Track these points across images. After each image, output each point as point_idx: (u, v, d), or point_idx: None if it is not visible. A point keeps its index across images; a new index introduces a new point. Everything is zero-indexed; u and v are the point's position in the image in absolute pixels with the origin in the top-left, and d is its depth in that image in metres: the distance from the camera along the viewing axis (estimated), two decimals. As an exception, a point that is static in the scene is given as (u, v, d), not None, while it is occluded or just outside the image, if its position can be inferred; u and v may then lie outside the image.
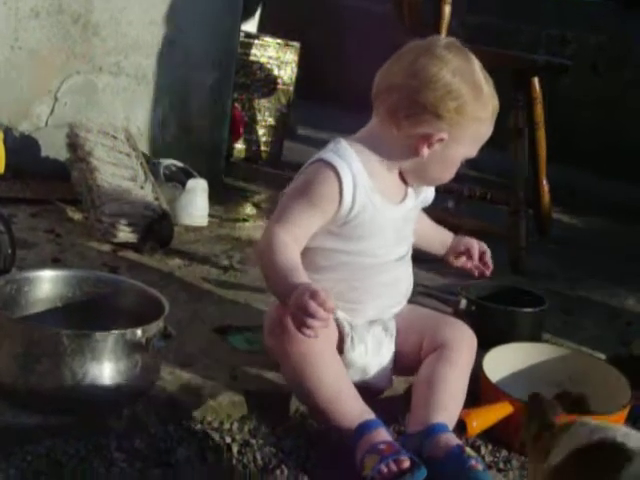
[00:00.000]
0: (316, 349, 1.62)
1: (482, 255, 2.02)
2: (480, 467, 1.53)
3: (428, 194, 1.89)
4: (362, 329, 1.76)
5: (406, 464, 1.50)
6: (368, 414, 1.61)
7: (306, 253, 1.73)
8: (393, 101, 1.71)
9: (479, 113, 1.70)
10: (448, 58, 1.69)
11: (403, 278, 1.84)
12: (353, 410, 1.61)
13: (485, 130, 1.75)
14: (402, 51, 1.75)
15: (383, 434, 1.58)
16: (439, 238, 2.05)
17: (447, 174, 1.79)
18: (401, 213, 1.78)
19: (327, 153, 1.71)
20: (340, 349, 1.73)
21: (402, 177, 1.80)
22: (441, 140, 1.70)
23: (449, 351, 1.74)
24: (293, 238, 1.68)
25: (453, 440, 1.59)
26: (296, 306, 1.52)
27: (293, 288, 1.55)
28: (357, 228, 1.72)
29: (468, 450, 1.57)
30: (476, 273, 2.03)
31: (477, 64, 1.74)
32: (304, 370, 1.62)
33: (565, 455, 1.16)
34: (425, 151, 1.71)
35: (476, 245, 2.02)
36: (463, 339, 1.79)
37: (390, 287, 1.81)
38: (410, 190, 1.81)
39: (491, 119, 1.74)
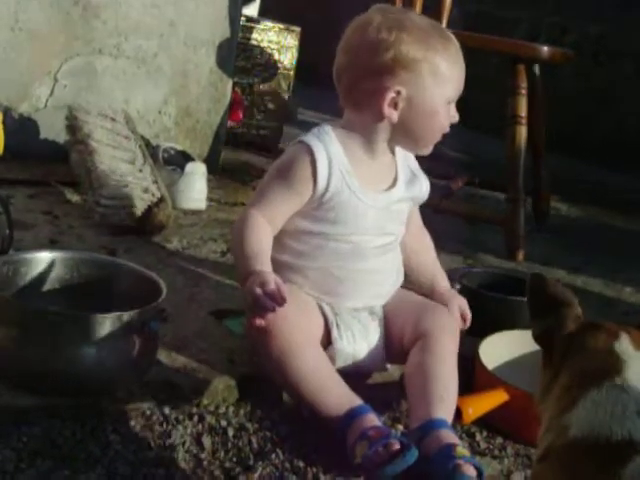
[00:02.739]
0: (295, 341, 1.62)
1: (463, 315, 1.89)
2: (467, 468, 1.48)
3: (423, 188, 1.87)
4: (347, 315, 1.76)
5: (396, 447, 1.49)
6: (355, 401, 1.60)
7: (283, 238, 1.75)
8: (344, 82, 1.74)
9: (421, 54, 1.67)
10: (372, 18, 1.71)
11: (387, 268, 1.83)
12: (339, 399, 1.60)
13: (444, 68, 1.69)
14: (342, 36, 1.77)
15: (371, 419, 1.57)
16: (429, 279, 1.93)
17: (434, 126, 1.75)
18: (384, 202, 1.77)
19: (307, 136, 1.73)
20: (327, 339, 1.73)
21: (392, 168, 1.80)
22: (399, 94, 1.68)
23: (430, 341, 1.71)
24: (268, 219, 1.70)
25: (447, 438, 1.55)
26: (247, 292, 1.57)
27: (250, 274, 1.59)
28: (331, 211, 1.73)
29: (460, 449, 1.53)
30: None
31: (412, 13, 1.75)
32: (285, 364, 1.62)
33: (582, 434, 1.12)
34: (391, 112, 1.70)
35: (458, 314, 1.86)
36: (443, 326, 1.75)
37: (373, 276, 1.79)
38: (400, 183, 1.81)
39: (444, 55, 1.70)
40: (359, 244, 1.76)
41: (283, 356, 1.62)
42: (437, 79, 1.70)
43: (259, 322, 1.58)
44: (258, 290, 1.55)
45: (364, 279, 1.78)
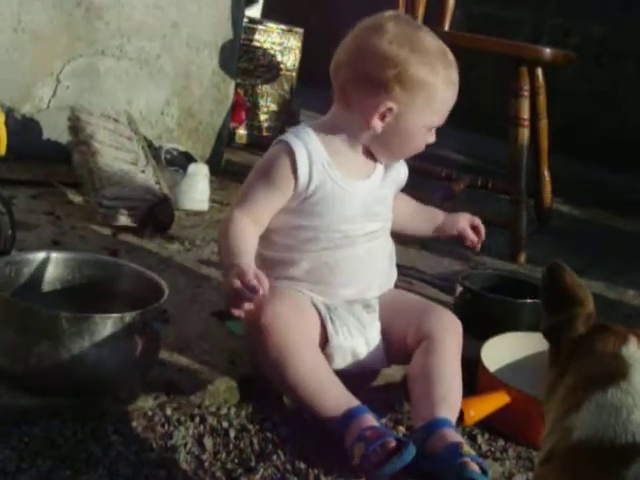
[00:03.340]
0: (292, 342, 1.63)
1: (476, 230, 2.04)
2: (474, 466, 1.49)
3: (400, 172, 1.89)
4: (341, 310, 1.76)
5: (392, 445, 1.49)
6: (352, 402, 1.60)
7: (272, 236, 1.77)
8: (341, 78, 1.75)
9: (426, 78, 1.69)
10: (387, 28, 1.71)
11: (378, 255, 1.84)
12: (337, 400, 1.61)
13: (441, 95, 1.73)
14: (351, 31, 1.78)
15: (368, 420, 1.57)
16: (426, 218, 2.05)
17: (411, 146, 1.79)
18: (367, 189, 1.79)
19: (285, 135, 1.77)
20: (324, 338, 1.73)
21: (369, 156, 1.82)
22: (390, 110, 1.71)
23: (434, 342, 1.72)
24: (252, 219, 1.72)
25: (452, 437, 1.56)
26: (226, 284, 1.58)
27: (231, 267, 1.60)
28: (318, 204, 1.75)
29: (466, 448, 1.54)
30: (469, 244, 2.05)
31: (424, 31, 1.75)
32: (283, 365, 1.62)
33: (586, 437, 1.12)
34: (377, 124, 1.72)
35: (469, 230, 2.02)
36: (447, 328, 1.76)
37: (364, 263, 1.81)
38: (379, 168, 1.83)
39: (445, 83, 1.72)
40: (348, 232, 1.78)
41: (281, 357, 1.62)
42: (430, 106, 1.73)
43: (238, 313, 1.58)
44: (236, 281, 1.55)
45: (355, 266, 1.79)
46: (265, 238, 1.76)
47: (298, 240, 1.76)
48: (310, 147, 1.73)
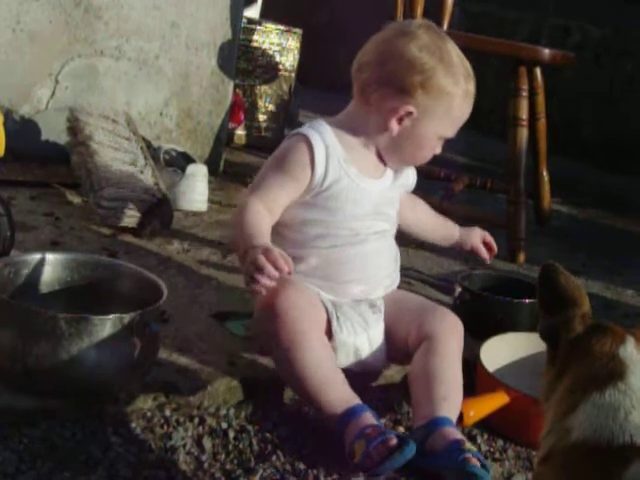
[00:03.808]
0: (302, 330, 1.64)
1: (488, 245, 2.12)
2: (476, 462, 1.50)
3: (410, 177, 1.92)
4: (347, 308, 1.78)
5: (393, 442, 1.50)
6: (353, 400, 1.61)
7: (283, 231, 1.79)
8: (364, 77, 1.78)
9: (448, 88, 1.74)
10: (417, 34, 1.75)
11: (385, 254, 1.86)
12: (339, 396, 1.61)
13: (458, 108, 1.77)
14: (379, 32, 1.81)
15: (369, 418, 1.58)
16: (443, 231, 2.11)
17: (422, 153, 1.83)
18: (379, 188, 1.82)
19: (302, 127, 1.79)
20: (329, 332, 1.74)
21: (381, 158, 1.84)
22: (409, 114, 1.74)
23: (436, 343, 1.73)
24: (266, 206, 1.73)
25: (453, 434, 1.57)
26: (249, 261, 1.58)
27: (252, 247, 1.60)
28: (331, 199, 1.77)
29: (468, 445, 1.55)
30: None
31: (451, 43, 1.79)
32: (292, 354, 1.63)
33: (584, 437, 1.12)
34: (394, 126, 1.75)
35: (482, 246, 2.12)
36: (448, 329, 1.77)
37: (372, 261, 1.82)
38: (389, 171, 1.86)
39: (464, 97, 1.77)
40: (358, 229, 1.80)
41: (293, 345, 1.62)
42: (447, 115, 1.77)
43: (259, 289, 1.58)
44: (261, 257, 1.56)
45: (363, 264, 1.81)
46: (275, 233, 1.77)
47: (308, 236, 1.78)
48: (327, 140, 1.76)
